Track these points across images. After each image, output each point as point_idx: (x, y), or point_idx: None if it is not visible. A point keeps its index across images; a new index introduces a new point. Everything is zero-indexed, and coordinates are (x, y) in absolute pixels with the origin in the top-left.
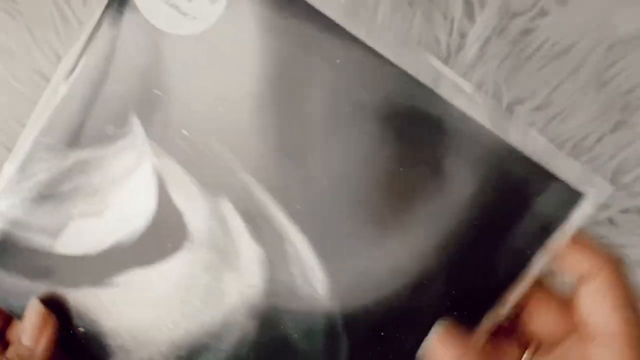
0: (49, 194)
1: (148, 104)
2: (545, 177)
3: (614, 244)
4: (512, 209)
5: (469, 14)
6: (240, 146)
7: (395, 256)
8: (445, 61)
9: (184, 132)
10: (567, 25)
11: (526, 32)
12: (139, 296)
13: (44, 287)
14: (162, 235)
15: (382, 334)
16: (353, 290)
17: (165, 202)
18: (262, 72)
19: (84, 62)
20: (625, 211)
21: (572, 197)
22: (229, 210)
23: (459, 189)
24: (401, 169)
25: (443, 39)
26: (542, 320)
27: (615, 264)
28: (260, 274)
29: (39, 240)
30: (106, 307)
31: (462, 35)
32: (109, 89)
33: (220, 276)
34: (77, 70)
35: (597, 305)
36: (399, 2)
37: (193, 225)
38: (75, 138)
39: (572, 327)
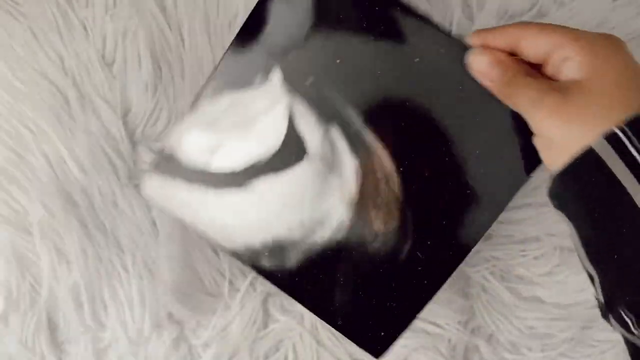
0: (211, 126)
1: (288, 59)
2: None
3: None
4: None
5: (468, 15)
6: (351, 91)
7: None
8: None
9: (311, 78)
10: None
11: None
12: (266, 197)
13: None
14: (288, 153)
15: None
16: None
17: (291, 131)
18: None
19: None
20: None
21: None
22: (337, 134)
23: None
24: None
25: None
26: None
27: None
28: (355, 180)
29: (198, 157)
30: (232, 205)
31: (461, 37)
32: (260, 47)
33: (328, 181)
34: None
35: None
36: None
37: (310, 145)
38: (235, 82)
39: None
